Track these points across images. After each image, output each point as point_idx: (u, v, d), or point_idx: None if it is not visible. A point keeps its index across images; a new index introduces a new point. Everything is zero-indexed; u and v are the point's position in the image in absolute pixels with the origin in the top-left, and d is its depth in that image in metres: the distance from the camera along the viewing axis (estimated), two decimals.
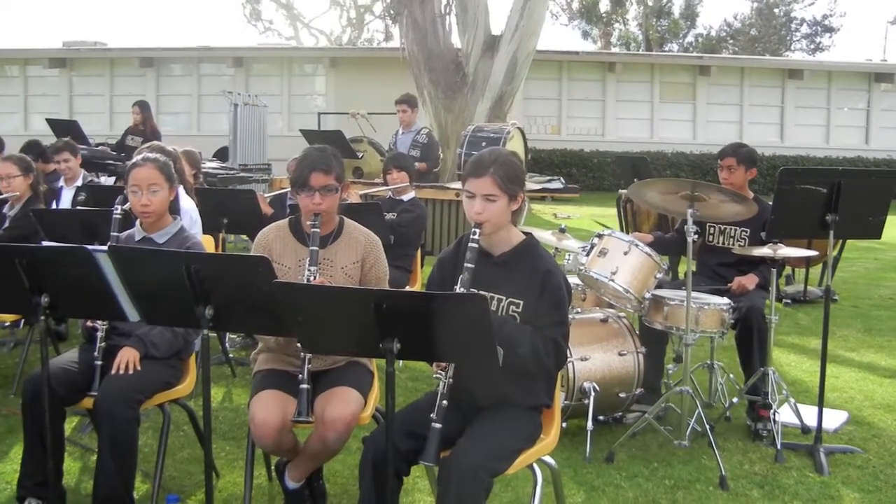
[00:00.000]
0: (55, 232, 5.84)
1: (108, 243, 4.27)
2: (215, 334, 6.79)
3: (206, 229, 6.52)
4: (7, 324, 7.64)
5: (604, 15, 44.98)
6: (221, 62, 27.90)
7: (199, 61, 28.20)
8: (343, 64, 27.65)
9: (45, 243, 4.13)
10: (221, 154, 17.29)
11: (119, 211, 4.73)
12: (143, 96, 24.19)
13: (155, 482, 4.52)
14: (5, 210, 6.90)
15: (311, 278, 4.14)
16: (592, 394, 5.60)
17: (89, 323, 4.58)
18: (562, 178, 24.05)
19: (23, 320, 7.26)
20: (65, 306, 3.92)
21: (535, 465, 3.89)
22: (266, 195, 7.77)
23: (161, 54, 28.30)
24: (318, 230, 4.26)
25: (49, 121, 12.91)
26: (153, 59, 28.12)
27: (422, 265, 7.74)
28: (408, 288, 6.98)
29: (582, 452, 5.42)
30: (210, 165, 13.29)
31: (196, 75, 28.20)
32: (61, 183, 7.86)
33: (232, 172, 13.28)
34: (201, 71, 28.26)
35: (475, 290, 3.68)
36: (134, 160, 4.72)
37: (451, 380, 3.67)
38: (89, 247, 3.75)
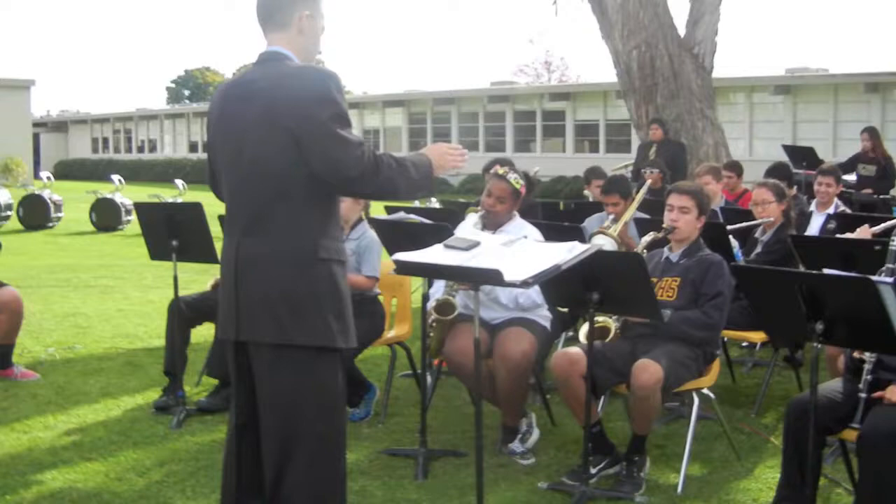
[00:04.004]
0: (810, 259, 5.87)
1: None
2: None
3: None
4: (746, 343, 7.88)
5: None
6: None
7: None
8: None
9: (826, 271, 4.14)
10: None
11: None
12: (867, 122, 23.59)
13: None
14: (757, 235, 7.09)
15: None
16: None
17: (856, 354, 4.50)
18: None
19: (759, 343, 7.39)
20: (837, 335, 3.92)
21: None
22: None
23: (887, 79, 27.36)
24: None
25: (785, 147, 13.13)
26: (878, 85, 27.29)
27: None
28: None
29: None
30: None
31: None
32: (812, 207, 7.93)
33: None
34: None
35: None
36: None
37: None
38: (874, 277, 3.69)
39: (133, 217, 19.13)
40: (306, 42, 3.67)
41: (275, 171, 3.50)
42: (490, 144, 36.55)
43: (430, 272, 4.33)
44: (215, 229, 5.22)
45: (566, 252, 3.76)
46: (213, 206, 4.13)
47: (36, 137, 49.24)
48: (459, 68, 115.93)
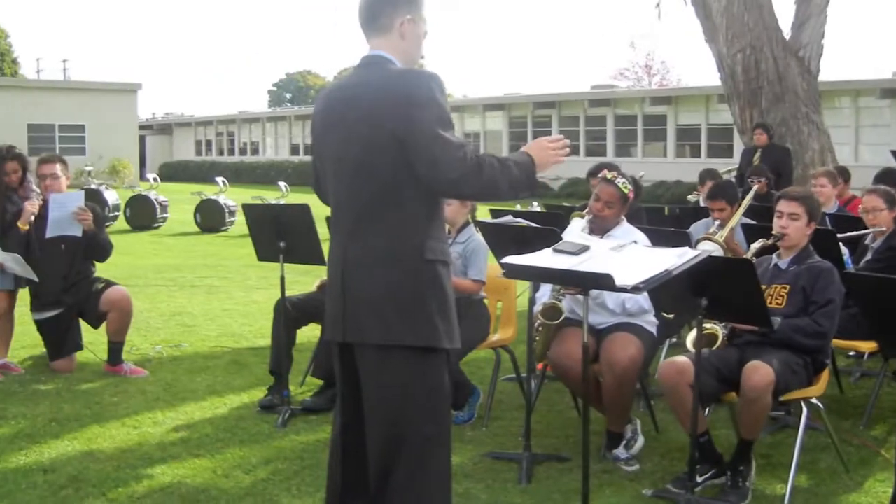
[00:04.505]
0: None
1: None
2: None
3: None
4: (853, 353, 7.69)
5: None
6: None
7: None
8: None
9: None
10: None
11: None
12: None
13: None
14: (867, 242, 6.92)
15: None
16: None
17: None
18: None
19: (868, 352, 7.20)
20: None
21: None
22: None
23: None
24: None
25: (894, 152, 12.77)
26: None
27: None
28: None
29: None
30: None
31: None
32: None
33: None
34: None
35: None
36: None
37: None
38: None
39: (236, 218, 19.52)
40: (408, 47, 3.68)
41: (379, 173, 3.53)
42: (591, 149, 36.36)
43: (540, 276, 4.32)
44: (322, 231, 5.28)
45: (676, 257, 3.72)
46: (320, 208, 4.18)
47: (142, 140, 50.62)
48: (560, 72, 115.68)
